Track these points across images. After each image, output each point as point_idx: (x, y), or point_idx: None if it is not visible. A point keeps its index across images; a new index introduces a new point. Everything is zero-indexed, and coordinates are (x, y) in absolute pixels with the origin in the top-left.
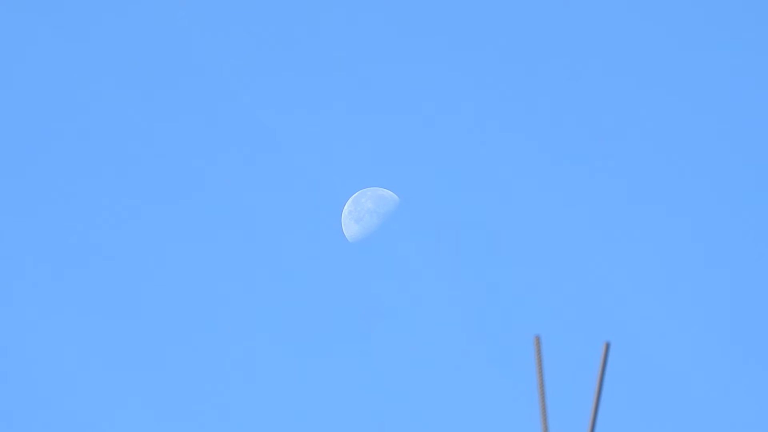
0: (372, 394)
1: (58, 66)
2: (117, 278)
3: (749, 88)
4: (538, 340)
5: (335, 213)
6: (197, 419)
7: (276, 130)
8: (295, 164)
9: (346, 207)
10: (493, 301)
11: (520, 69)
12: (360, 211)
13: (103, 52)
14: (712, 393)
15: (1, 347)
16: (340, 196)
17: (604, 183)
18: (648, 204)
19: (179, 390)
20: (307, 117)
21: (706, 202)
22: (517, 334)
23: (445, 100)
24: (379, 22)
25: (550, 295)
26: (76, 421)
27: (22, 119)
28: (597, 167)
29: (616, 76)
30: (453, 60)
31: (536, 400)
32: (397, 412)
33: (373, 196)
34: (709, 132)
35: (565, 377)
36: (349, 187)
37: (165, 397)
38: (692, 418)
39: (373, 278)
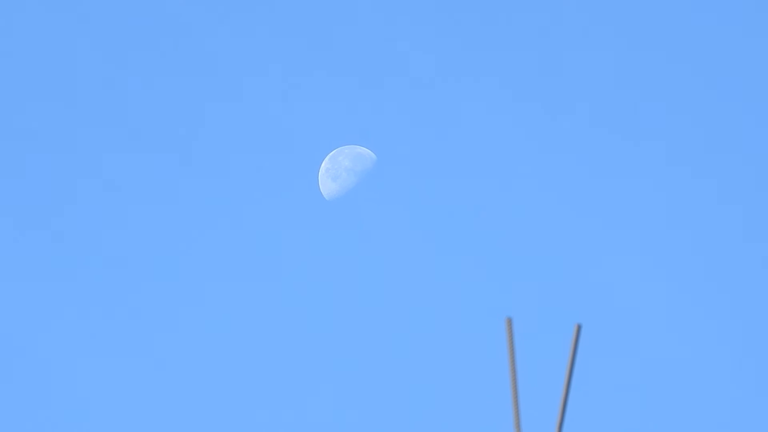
0: (346, 355)
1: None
2: (85, 241)
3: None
4: (510, 322)
5: (312, 171)
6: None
7: (253, 87)
8: (272, 122)
9: (323, 165)
10: (468, 262)
11: (507, 30)
12: (337, 169)
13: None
14: (691, 375)
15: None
16: (317, 153)
17: (583, 160)
18: (622, 180)
19: (153, 350)
20: (284, 75)
21: (684, 179)
22: (490, 299)
23: (425, 57)
24: None
25: (524, 266)
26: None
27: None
28: (579, 140)
29: (598, 52)
30: (435, 19)
31: (507, 375)
32: (364, 373)
33: (350, 154)
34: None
35: (538, 359)
36: (327, 145)
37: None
38: (667, 399)
39: (350, 236)
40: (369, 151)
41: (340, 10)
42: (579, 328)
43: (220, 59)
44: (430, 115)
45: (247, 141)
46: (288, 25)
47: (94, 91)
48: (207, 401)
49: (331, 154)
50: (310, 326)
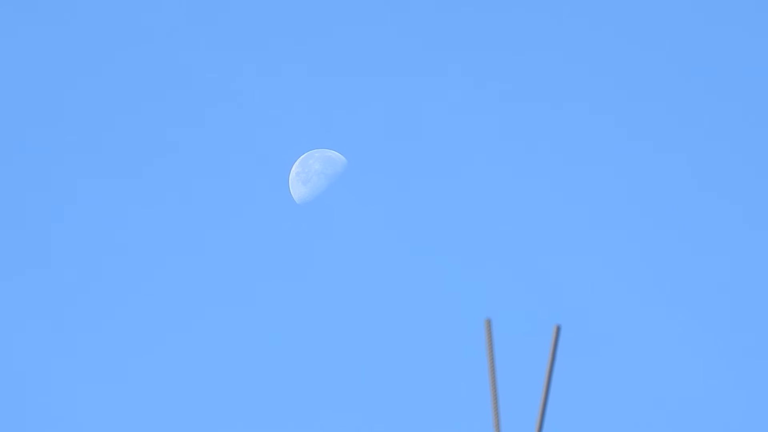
0: (318, 358)
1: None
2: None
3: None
4: (489, 324)
5: (282, 175)
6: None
7: (221, 90)
8: (242, 126)
9: (293, 168)
10: (443, 264)
11: (482, 33)
12: (307, 173)
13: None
14: (671, 376)
15: None
16: (288, 157)
17: (562, 160)
18: (602, 181)
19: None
20: (254, 78)
21: (656, 177)
22: (468, 301)
23: (396, 61)
24: None
25: (501, 267)
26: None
27: None
28: (558, 139)
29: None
30: (407, 21)
31: (486, 376)
32: (338, 375)
33: (320, 157)
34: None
35: (517, 360)
36: (297, 149)
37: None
38: (647, 401)
39: (321, 240)
40: (339, 155)
41: (309, 11)
42: (558, 329)
43: (191, 64)
44: (399, 117)
45: (217, 145)
46: (257, 29)
47: (65, 96)
48: (191, 404)
49: (301, 157)
50: (281, 330)
